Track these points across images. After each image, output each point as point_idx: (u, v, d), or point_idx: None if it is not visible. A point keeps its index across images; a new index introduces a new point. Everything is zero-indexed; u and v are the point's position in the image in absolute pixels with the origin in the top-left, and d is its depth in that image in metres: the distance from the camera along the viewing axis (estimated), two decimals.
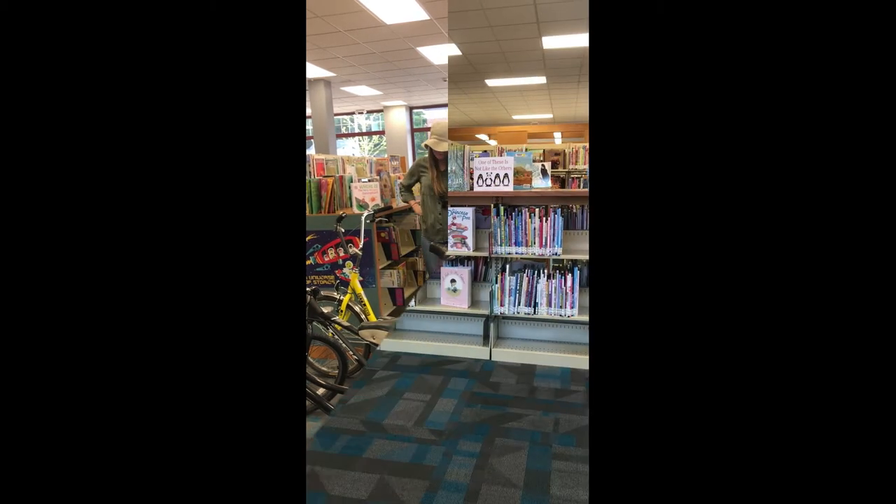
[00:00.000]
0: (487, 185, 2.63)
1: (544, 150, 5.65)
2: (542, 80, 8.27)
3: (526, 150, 5.34)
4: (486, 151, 5.12)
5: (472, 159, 2.73)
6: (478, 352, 2.71)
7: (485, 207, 2.82)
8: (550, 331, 2.82)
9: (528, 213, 2.56)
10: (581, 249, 2.69)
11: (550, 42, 5.56)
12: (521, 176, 2.75)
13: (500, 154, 4.91)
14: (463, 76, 7.87)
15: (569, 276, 2.52)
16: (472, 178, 2.70)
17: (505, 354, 2.67)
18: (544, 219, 2.53)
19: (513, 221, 2.58)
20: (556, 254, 2.53)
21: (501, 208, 2.60)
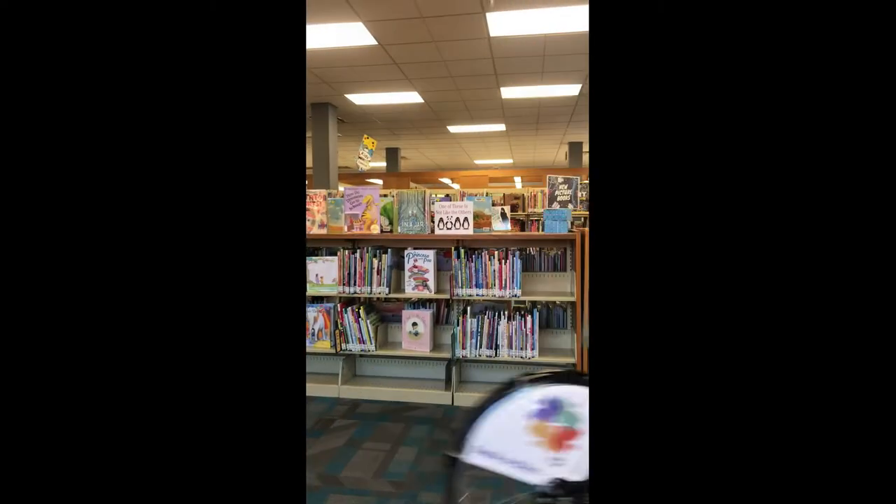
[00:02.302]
0: (448, 229, 2.67)
1: (504, 195, 5.82)
2: (501, 127, 8.59)
3: (487, 193, 5.48)
4: (447, 196, 5.22)
5: (433, 203, 2.78)
6: (440, 397, 2.66)
7: (446, 250, 2.85)
8: (512, 372, 2.81)
9: (487, 256, 2.60)
10: (540, 291, 2.74)
11: (508, 92, 5.85)
12: (480, 219, 2.82)
13: (462, 197, 5.01)
14: (425, 122, 8.08)
15: (528, 318, 2.55)
16: (432, 222, 2.74)
17: (467, 399, 2.63)
18: (503, 261, 2.58)
19: (473, 264, 2.62)
20: (515, 295, 2.56)
21: (462, 251, 2.63)
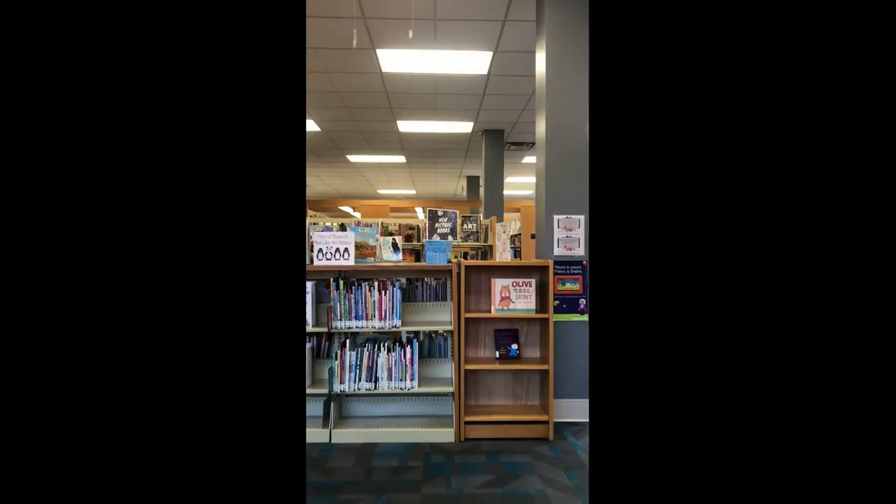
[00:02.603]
0: (328, 259, 2.62)
1: (400, 225, 5.89)
2: (401, 158, 8.73)
3: (381, 224, 5.50)
4: (328, 226, 5.16)
5: (312, 234, 2.72)
6: (317, 434, 2.54)
7: (326, 281, 2.79)
8: (392, 406, 2.78)
9: (367, 287, 2.59)
10: (420, 321, 2.77)
11: (405, 126, 6.00)
12: (364, 250, 2.81)
13: (359, 225, 4.98)
14: (324, 150, 7.96)
15: (408, 349, 2.56)
16: (311, 251, 2.67)
17: (346, 435, 2.55)
18: (383, 292, 2.58)
19: (353, 295, 2.58)
20: (395, 325, 2.56)
21: (341, 282, 2.59)
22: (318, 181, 10.16)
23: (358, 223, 5.53)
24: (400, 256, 3.27)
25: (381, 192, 11.49)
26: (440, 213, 2.84)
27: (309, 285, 2.61)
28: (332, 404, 2.59)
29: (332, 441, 2.54)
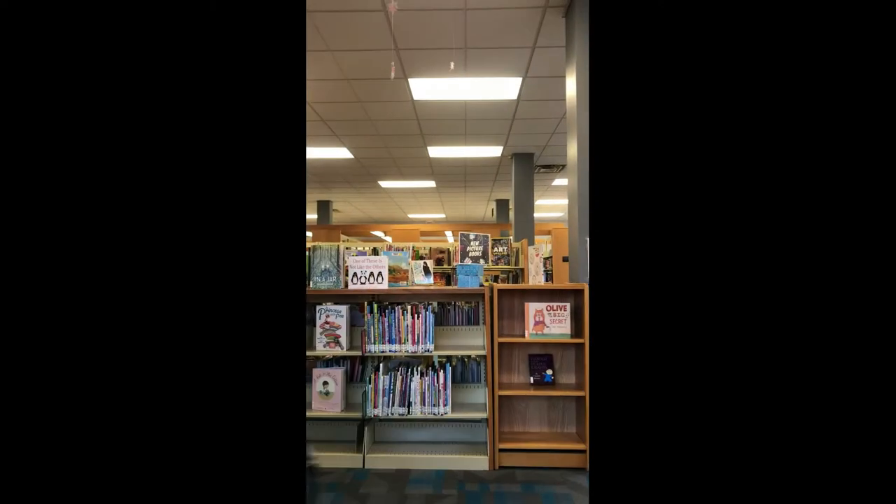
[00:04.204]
0: (362, 283, 2.66)
1: (430, 249, 5.93)
2: (431, 183, 8.85)
3: (413, 248, 5.56)
4: (361, 251, 5.25)
5: (347, 258, 2.77)
6: (350, 460, 2.54)
7: (360, 305, 2.83)
8: (425, 431, 2.75)
9: (400, 311, 2.60)
10: (453, 345, 2.76)
11: (435, 152, 6.11)
12: (397, 274, 2.84)
13: (390, 249, 5.05)
14: (356, 177, 8.17)
15: (441, 374, 2.54)
16: (346, 276, 2.72)
17: (379, 461, 2.53)
18: (416, 315, 2.59)
19: (386, 319, 2.60)
20: (428, 350, 2.56)
21: (375, 306, 2.62)
22: (351, 207, 10.39)
23: (389, 247, 5.61)
24: (431, 280, 3.29)
25: (411, 216, 11.64)
26: (472, 237, 2.85)
27: (343, 309, 2.65)
28: (366, 428, 2.58)
29: (366, 466, 2.52)
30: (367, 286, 2.66)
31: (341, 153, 6.18)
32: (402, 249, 4.62)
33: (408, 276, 2.88)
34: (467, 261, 2.86)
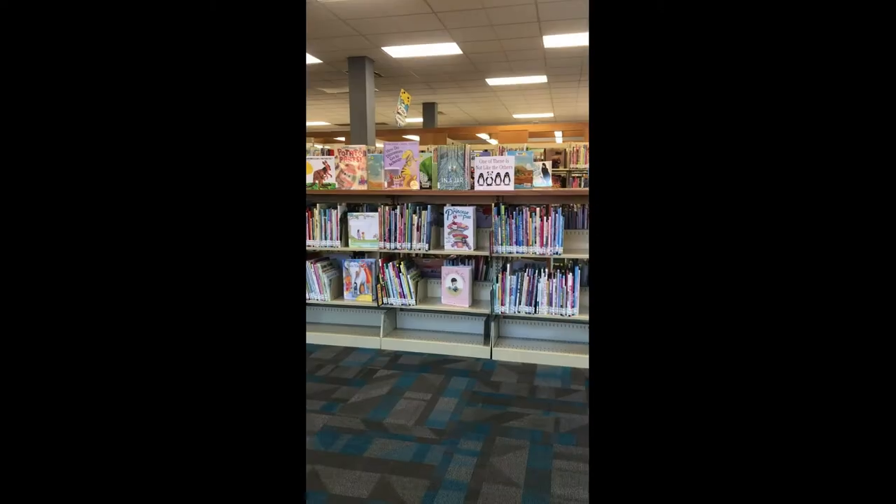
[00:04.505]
0: (488, 185, 2.63)
1: (545, 150, 5.65)
2: (542, 79, 8.22)
3: (527, 149, 5.33)
4: (486, 151, 5.12)
5: (473, 158, 2.72)
6: (479, 351, 2.71)
7: (485, 206, 2.82)
8: (551, 330, 2.82)
9: (528, 213, 2.55)
10: (582, 249, 2.69)
11: (551, 41, 5.55)
12: (521, 175, 2.75)
13: (501, 153, 4.91)
14: (463, 75, 7.82)
15: (569, 276, 2.52)
16: (472, 178, 2.70)
17: (506, 353, 2.67)
18: (545, 218, 2.53)
19: (513, 221, 2.58)
20: (556, 253, 2.53)
21: (502, 207, 2.60)
22: (455, 109, 10.14)
23: (502, 150, 5.44)
24: (550, 182, 3.15)
25: (516, 116, 11.09)
26: None
27: (470, 210, 2.67)
28: (492, 324, 2.71)
29: (493, 358, 2.69)
30: (494, 188, 2.62)
31: (450, 49, 5.89)
32: (518, 150, 4.45)
33: (531, 178, 2.79)
34: None
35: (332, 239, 2.86)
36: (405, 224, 2.73)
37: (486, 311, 2.70)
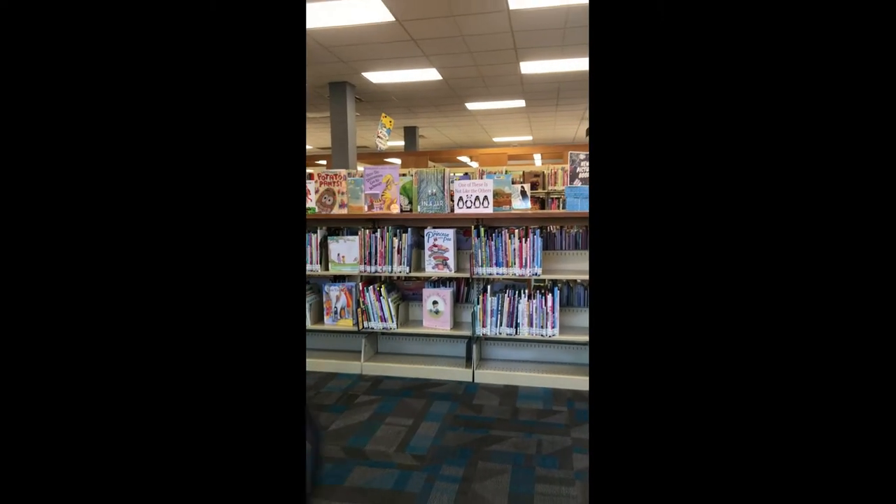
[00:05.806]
0: (468, 208, 2.66)
1: (524, 172, 5.75)
2: (521, 103, 8.42)
3: (506, 172, 5.42)
4: (466, 174, 5.18)
5: (453, 182, 2.76)
6: (460, 374, 2.70)
7: (465, 229, 2.85)
8: (532, 351, 2.83)
9: (507, 235, 2.59)
10: (560, 269, 2.73)
11: (528, 67, 5.72)
12: (500, 198, 2.80)
13: (481, 176, 4.98)
14: (443, 99, 7.98)
15: (549, 296, 2.54)
16: (452, 201, 2.73)
17: (488, 376, 2.66)
18: (524, 240, 2.56)
19: (493, 243, 2.61)
20: (536, 274, 2.55)
21: (482, 229, 2.63)
22: (436, 132, 10.28)
23: (482, 173, 5.52)
24: (528, 204, 3.21)
25: (496, 139, 11.29)
26: (582, 157, 2.69)
27: (450, 232, 2.69)
28: (474, 346, 2.70)
29: (475, 380, 2.67)
30: (473, 210, 2.65)
31: (430, 74, 6.01)
32: (497, 174, 4.53)
33: (510, 200, 2.83)
34: (577, 182, 2.73)
35: (312, 263, 2.84)
36: (386, 247, 2.74)
37: (468, 333, 2.70)
